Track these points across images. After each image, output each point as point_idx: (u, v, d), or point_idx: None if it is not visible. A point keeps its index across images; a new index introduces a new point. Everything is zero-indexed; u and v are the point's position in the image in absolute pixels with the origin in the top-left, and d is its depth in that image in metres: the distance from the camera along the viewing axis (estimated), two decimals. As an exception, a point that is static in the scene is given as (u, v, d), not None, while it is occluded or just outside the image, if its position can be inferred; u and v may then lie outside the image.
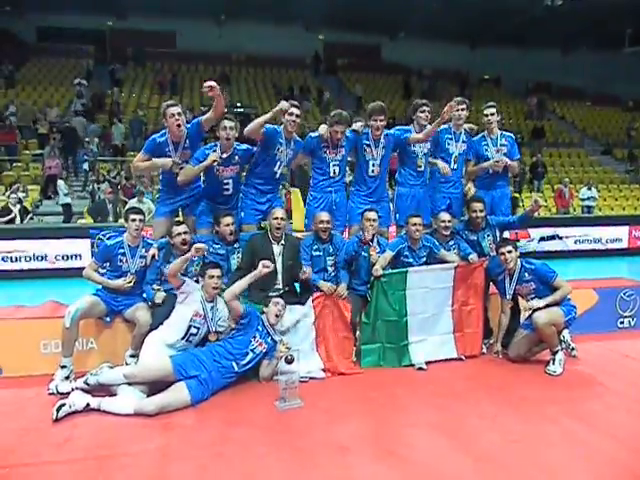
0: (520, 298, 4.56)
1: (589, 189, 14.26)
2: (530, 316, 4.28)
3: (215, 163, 4.39)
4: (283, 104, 4.38)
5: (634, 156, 18.78)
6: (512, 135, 5.32)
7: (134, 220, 4.17)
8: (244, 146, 4.62)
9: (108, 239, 4.35)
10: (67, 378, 3.77)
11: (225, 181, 4.57)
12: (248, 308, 3.94)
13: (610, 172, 18.37)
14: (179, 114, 4.28)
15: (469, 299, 4.60)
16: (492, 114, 5.10)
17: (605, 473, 2.78)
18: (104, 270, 4.27)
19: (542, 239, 11.53)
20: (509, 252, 4.29)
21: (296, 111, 4.50)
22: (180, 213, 4.75)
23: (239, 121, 4.61)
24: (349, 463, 2.84)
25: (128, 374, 3.54)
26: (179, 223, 4.35)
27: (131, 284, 4.14)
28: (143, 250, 4.24)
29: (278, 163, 4.62)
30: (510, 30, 21.23)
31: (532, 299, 4.32)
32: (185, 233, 4.20)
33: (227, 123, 4.38)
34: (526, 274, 4.32)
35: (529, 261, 4.40)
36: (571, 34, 21.66)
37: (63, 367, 3.84)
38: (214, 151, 4.43)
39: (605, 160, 19.34)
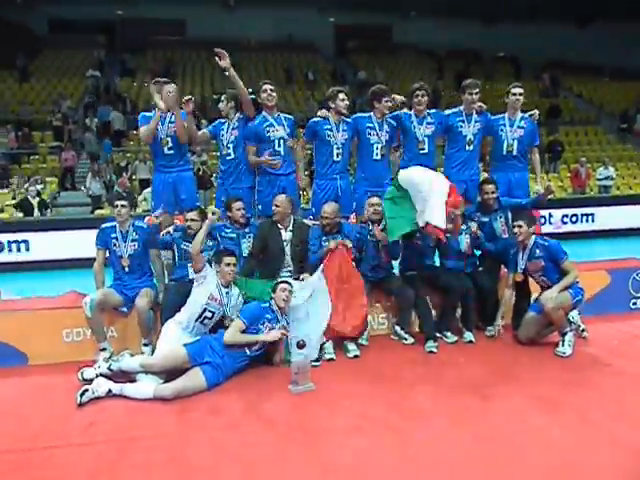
0: (530, 279, 4.56)
1: (605, 168, 13.99)
2: (537, 299, 4.31)
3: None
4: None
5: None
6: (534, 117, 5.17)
7: (116, 206, 4.37)
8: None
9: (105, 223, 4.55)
10: (110, 358, 3.92)
11: (228, 145, 4.90)
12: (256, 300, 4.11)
13: (629, 150, 17.94)
14: (175, 90, 4.82)
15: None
16: (520, 94, 5.03)
17: (613, 454, 2.80)
18: (108, 255, 4.44)
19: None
20: (519, 227, 4.33)
21: (269, 86, 4.82)
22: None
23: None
24: (358, 445, 2.94)
25: (145, 364, 3.68)
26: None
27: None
28: (134, 233, 4.38)
29: (276, 140, 4.81)
30: (524, 5, 20.65)
31: (540, 277, 4.37)
32: (193, 220, 4.35)
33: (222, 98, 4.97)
34: (537, 250, 4.33)
35: (544, 238, 4.41)
36: (586, 6, 21.00)
37: (103, 349, 4.09)
38: (223, 128, 4.91)
39: (623, 137, 18.87)
